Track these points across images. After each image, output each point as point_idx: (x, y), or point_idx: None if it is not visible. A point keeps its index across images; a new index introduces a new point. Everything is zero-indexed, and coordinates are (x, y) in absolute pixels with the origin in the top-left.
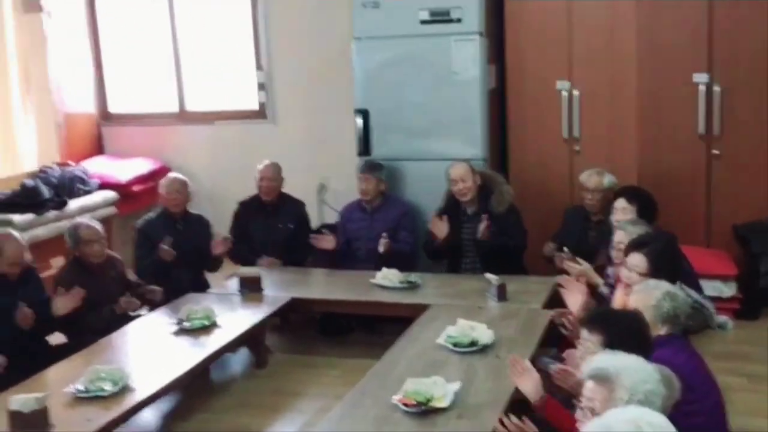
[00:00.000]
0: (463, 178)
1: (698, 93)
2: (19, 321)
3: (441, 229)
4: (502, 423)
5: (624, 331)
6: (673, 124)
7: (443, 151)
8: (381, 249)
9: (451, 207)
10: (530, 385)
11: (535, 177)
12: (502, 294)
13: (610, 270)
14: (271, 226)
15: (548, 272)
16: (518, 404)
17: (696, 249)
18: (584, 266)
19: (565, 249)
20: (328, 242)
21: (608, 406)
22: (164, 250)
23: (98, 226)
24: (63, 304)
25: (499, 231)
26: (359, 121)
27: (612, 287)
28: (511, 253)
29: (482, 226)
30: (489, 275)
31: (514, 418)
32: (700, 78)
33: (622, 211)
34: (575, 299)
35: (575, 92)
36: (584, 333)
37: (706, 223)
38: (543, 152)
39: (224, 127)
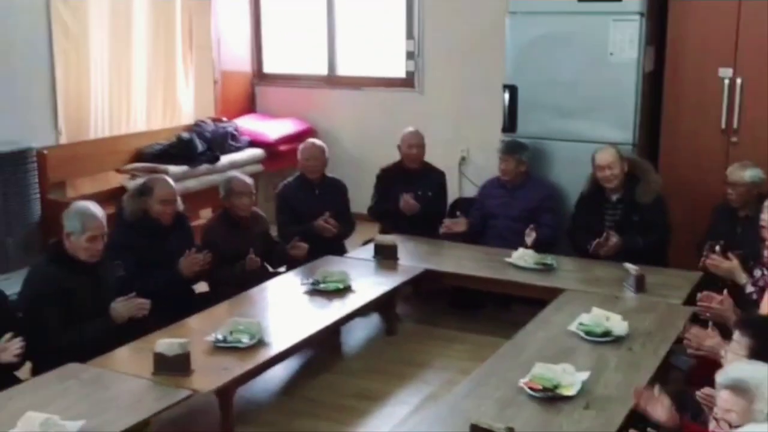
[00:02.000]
0: (610, 165)
1: None
2: (183, 267)
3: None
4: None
5: None
6: None
7: (591, 133)
8: (528, 242)
9: (595, 192)
10: (662, 412)
11: (687, 167)
12: (640, 285)
13: (758, 271)
14: (411, 193)
15: (692, 266)
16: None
17: None
18: (733, 263)
19: (718, 247)
20: (459, 225)
21: (747, 419)
22: (322, 226)
23: (250, 181)
24: (187, 266)
25: (643, 222)
26: (507, 96)
27: (761, 289)
28: (649, 249)
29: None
30: (628, 265)
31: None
32: None
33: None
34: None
35: (738, 80)
36: (736, 334)
37: None
38: (698, 142)
39: (371, 93)
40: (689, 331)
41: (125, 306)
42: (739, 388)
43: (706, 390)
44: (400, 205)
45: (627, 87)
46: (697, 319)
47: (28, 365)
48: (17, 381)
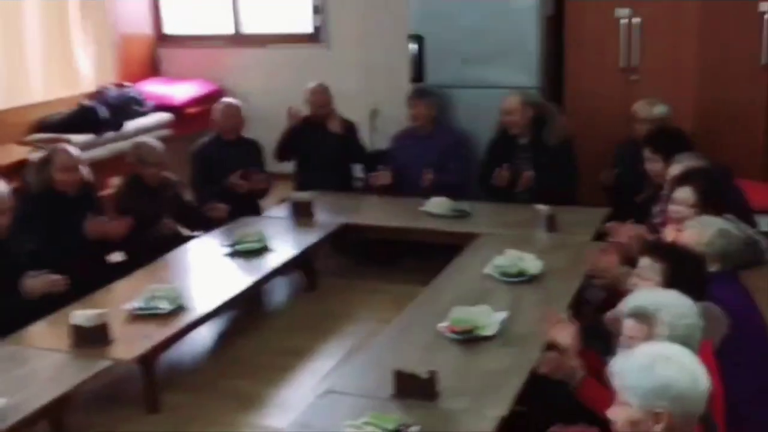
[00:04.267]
0: (511, 111)
1: (763, 22)
2: (88, 231)
3: (503, 177)
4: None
5: (687, 264)
6: (735, 55)
7: (498, 79)
8: (424, 184)
9: (503, 136)
10: (566, 336)
11: (590, 107)
12: (552, 224)
13: (655, 209)
14: (321, 139)
15: (600, 204)
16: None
17: (753, 183)
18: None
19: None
20: (384, 178)
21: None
22: (234, 183)
23: (160, 147)
24: (93, 227)
25: (551, 164)
26: (413, 47)
27: (657, 228)
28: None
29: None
30: (538, 206)
31: (552, 353)
32: (766, 7)
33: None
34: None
35: (635, 20)
36: (645, 261)
37: (765, 157)
38: (599, 82)
39: (279, 50)
40: (592, 261)
41: (39, 281)
42: (640, 315)
43: (611, 313)
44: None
45: (528, 32)
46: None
47: None
48: None
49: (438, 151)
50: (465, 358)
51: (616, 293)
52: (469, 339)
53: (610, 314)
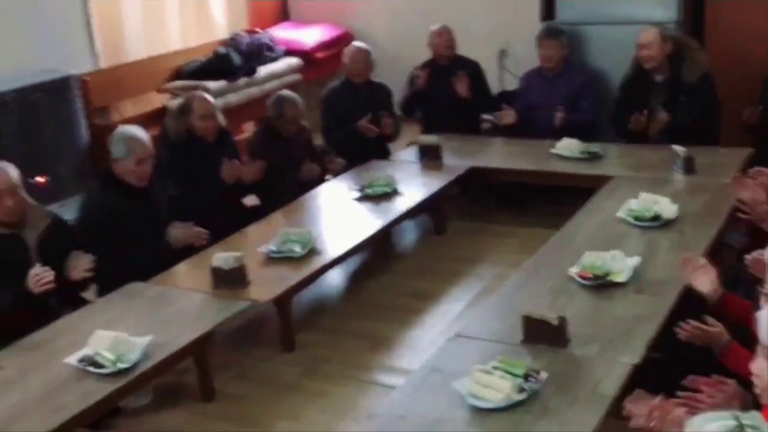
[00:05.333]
0: (647, 45)
1: None
2: (224, 175)
3: (640, 122)
4: (682, 329)
5: None
6: None
7: (633, 13)
8: (556, 123)
9: (638, 74)
10: (706, 282)
11: (733, 42)
12: (689, 167)
13: None
14: (444, 86)
15: (742, 144)
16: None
17: None
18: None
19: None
20: (509, 117)
21: None
22: (364, 126)
23: (301, 104)
24: (228, 172)
25: (689, 102)
26: None
27: None
28: (697, 128)
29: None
30: (676, 147)
31: (693, 322)
32: None
33: None
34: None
35: None
36: None
37: None
38: (743, 14)
39: None
40: (749, 259)
41: (183, 232)
42: None
43: (755, 254)
44: (417, 82)
45: None
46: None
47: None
48: (85, 302)
49: (568, 90)
50: (596, 305)
51: (759, 235)
52: (600, 285)
53: (752, 256)
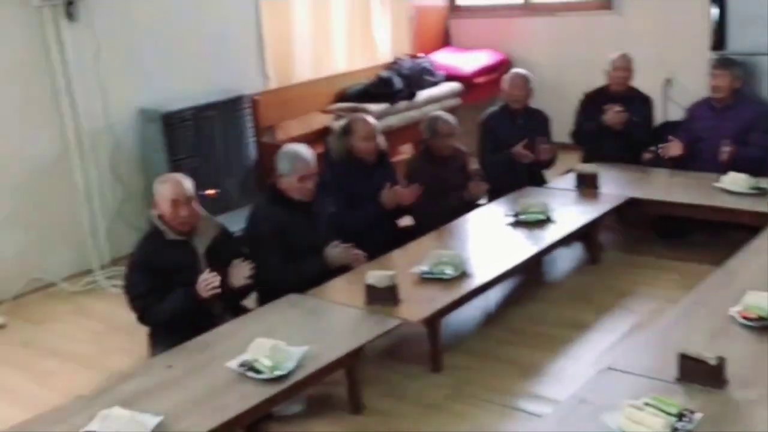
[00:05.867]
0: None
1: None
2: (385, 199)
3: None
4: None
5: None
6: None
7: None
8: (722, 158)
9: None
10: None
11: None
12: None
13: None
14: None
15: None
16: None
17: None
18: None
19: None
20: (675, 148)
21: None
22: (520, 152)
23: (454, 122)
24: (389, 198)
25: None
26: (714, 11)
27: None
28: None
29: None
30: None
31: None
32: None
33: None
34: None
35: None
36: None
37: None
38: None
39: (568, 18)
40: None
41: (340, 254)
42: None
43: None
44: (605, 118)
45: None
46: None
47: (253, 297)
48: (245, 310)
49: (738, 123)
50: (758, 347)
51: None
52: (764, 327)
53: None
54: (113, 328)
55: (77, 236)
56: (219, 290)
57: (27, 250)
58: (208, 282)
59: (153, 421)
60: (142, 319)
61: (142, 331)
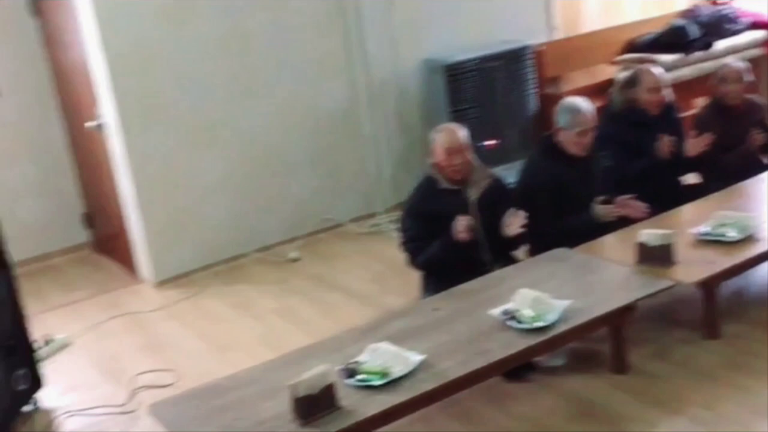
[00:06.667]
0: None
1: None
2: (660, 150)
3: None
4: None
5: None
6: None
7: None
8: None
9: None
10: None
11: None
12: None
13: None
14: None
15: None
16: None
17: None
18: None
19: None
20: None
21: None
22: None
23: (743, 67)
24: (692, 146)
25: None
26: None
27: None
28: None
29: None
30: None
31: None
32: None
33: None
34: None
35: None
36: None
37: None
38: None
39: None
40: None
41: (605, 210)
42: None
43: None
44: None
45: None
46: None
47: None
48: (514, 261)
49: None
50: None
51: None
52: None
53: None
54: (392, 269)
55: (364, 181)
56: (466, 235)
57: (320, 192)
58: (461, 224)
59: (417, 358)
60: (411, 262)
61: (417, 274)
